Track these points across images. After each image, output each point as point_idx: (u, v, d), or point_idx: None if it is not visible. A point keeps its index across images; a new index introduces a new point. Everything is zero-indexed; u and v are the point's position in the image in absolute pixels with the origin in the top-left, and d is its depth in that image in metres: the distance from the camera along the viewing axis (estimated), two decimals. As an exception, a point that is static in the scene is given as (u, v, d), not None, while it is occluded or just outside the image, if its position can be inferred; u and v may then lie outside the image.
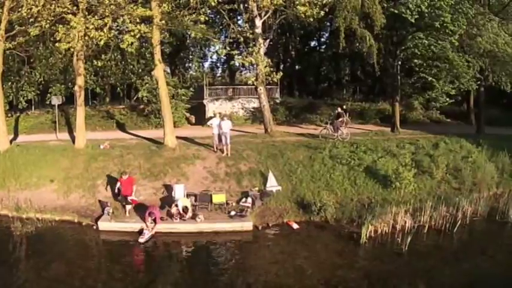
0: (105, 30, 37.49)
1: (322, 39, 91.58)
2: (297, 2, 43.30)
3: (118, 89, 69.69)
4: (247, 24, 49.60)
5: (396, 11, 46.11)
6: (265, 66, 45.38)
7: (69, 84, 54.60)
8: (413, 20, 45.30)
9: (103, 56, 42.15)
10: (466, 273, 25.69)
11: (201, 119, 57.74)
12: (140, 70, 61.06)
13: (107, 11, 37.72)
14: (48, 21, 39.00)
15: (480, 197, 36.48)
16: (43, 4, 38.09)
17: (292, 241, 30.60)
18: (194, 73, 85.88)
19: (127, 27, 38.85)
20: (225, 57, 70.68)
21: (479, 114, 57.24)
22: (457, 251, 29.19)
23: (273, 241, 31.07)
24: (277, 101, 67.19)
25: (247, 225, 32.10)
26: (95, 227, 32.67)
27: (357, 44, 51.15)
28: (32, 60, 53.11)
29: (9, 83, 55.83)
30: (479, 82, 50.99)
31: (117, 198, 34.72)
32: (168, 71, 74.27)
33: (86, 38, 38.70)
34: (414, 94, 57.37)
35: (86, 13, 39.27)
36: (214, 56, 77.98)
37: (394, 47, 51.67)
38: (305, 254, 28.33)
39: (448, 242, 30.28)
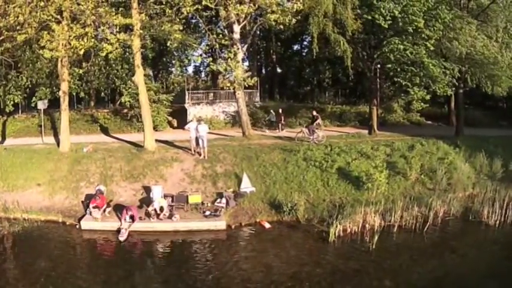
0: (85, 39, 38.67)
1: (305, 43, 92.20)
2: (268, 10, 44.29)
3: (102, 93, 70.30)
4: (226, 30, 50.36)
5: (369, 17, 47.04)
6: (243, 72, 46.48)
7: (55, 88, 55.23)
8: (386, 26, 46.18)
9: (84, 64, 42.99)
10: (433, 271, 26.53)
11: (183, 122, 57.82)
12: (124, 75, 61.31)
13: (88, 20, 38.85)
14: (34, 28, 40.07)
15: (454, 198, 37.24)
16: (29, 11, 39.25)
17: (263, 240, 31.80)
18: (177, 77, 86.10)
19: (106, 37, 39.97)
20: (207, 62, 71.25)
21: (458, 116, 57.95)
22: (426, 249, 29.84)
23: (245, 239, 32.29)
24: (257, 104, 67.60)
25: (220, 224, 33.32)
26: (77, 226, 33.86)
27: (332, 49, 51.57)
28: (19, 64, 53.95)
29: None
30: (454, 88, 51.46)
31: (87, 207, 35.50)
32: (151, 74, 74.78)
33: (68, 46, 39.90)
34: (394, 97, 58.31)
35: (70, 21, 40.28)
36: (198, 61, 77.76)
37: (371, 51, 52.44)
38: (275, 252, 29.52)
39: (418, 241, 31.09)
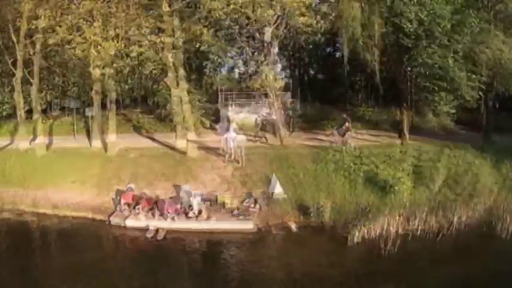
0: (116, 41, 39.33)
1: (337, 45, 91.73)
2: (297, 13, 43.93)
3: (135, 93, 70.82)
4: (257, 33, 50.64)
5: (397, 21, 46.93)
6: (273, 75, 46.58)
7: (87, 88, 56.06)
8: (412, 30, 45.93)
9: (115, 65, 43.61)
10: (451, 278, 26.23)
11: (216, 123, 58.52)
12: (157, 75, 61.21)
13: (118, 23, 39.44)
14: (65, 30, 40.80)
15: (477, 205, 36.77)
16: (61, 14, 39.97)
17: (288, 241, 32.36)
18: (210, 78, 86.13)
19: (137, 39, 40.53)
20: (239, 64, 71.34)
21: (487, 122, 56.83)
22: (446, 256, 29.47)
23: (271, 240, 32.76)
24: (290, 107, 66.59)
25: (248, 225, 33.72)
26: (107, 222, 34.81)
27: (362, 53, 51.45)
28: (51, 63, 54.81)
29: (29, 86, 57.48)
30: (482, 93, 50.89)
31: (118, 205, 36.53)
32: (185, 74, 75.00)
33: (99, 47, 40.42)
34: (424, 102, 57.88)
35: (101, 23, 40.87)
36: (229, 62, 77.62)
37: (400, 55, 51.05)
38: (297, 253, 30.02)
39: (439, 247, 30.86)
